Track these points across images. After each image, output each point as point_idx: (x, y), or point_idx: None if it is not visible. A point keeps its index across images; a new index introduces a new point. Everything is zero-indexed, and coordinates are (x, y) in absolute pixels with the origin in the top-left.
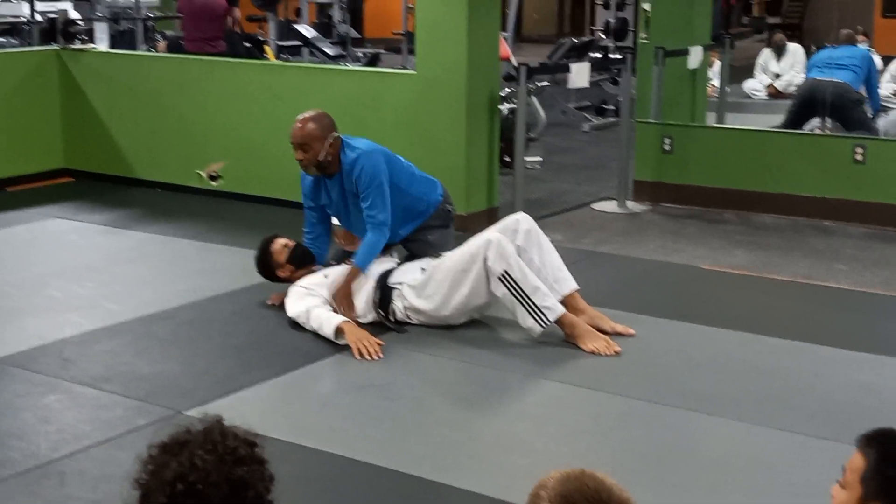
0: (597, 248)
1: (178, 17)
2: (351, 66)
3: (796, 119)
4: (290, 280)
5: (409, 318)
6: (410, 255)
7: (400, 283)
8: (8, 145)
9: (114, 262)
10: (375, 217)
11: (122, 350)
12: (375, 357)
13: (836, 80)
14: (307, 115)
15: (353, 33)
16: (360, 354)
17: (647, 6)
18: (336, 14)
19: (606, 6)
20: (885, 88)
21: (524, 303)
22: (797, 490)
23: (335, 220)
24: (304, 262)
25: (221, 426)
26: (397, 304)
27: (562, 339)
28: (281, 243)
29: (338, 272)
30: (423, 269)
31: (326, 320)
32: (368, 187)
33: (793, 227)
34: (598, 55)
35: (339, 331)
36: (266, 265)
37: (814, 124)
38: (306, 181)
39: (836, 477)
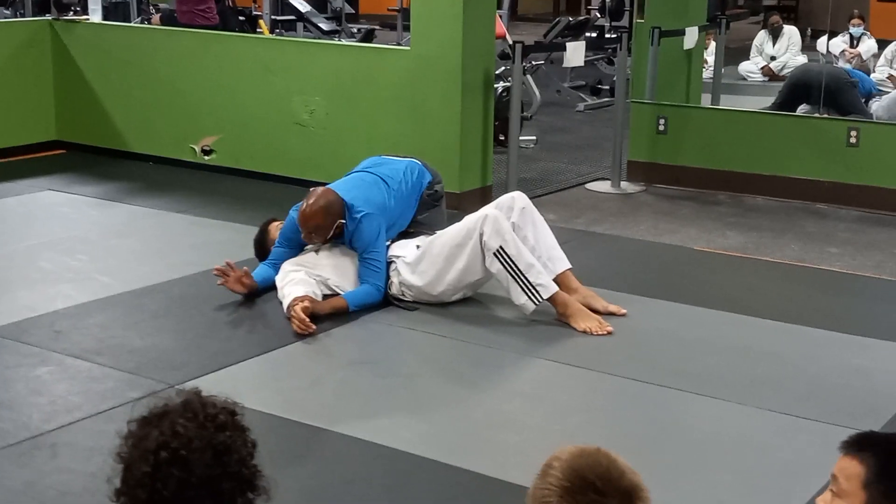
0: (590, 227)
1: None
2: (345, 42)
3: (788, 101)
4: None
5: (403, 294)
6: (404, 233)
7: (396, 257)
8: None
9: (106, 235)
10: (373, 267)
11: (114, 323)
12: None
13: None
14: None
15: (348, 9)
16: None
17: None
18: None
19: None
20: (879, 72)
21: (518, 279)
22: (786, 470)
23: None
24: None
25: (200, 397)
26: (393, 279)
27: (554, 317)
28: (276, 226)
29: (326, 250)
30: (417, 245)
31: (287, 296)
32: (365, 251)
33: (786, 209)
34: (594, 34)
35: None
36: (263, 247)
37: (805, 110)
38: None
39: (825, 458)
